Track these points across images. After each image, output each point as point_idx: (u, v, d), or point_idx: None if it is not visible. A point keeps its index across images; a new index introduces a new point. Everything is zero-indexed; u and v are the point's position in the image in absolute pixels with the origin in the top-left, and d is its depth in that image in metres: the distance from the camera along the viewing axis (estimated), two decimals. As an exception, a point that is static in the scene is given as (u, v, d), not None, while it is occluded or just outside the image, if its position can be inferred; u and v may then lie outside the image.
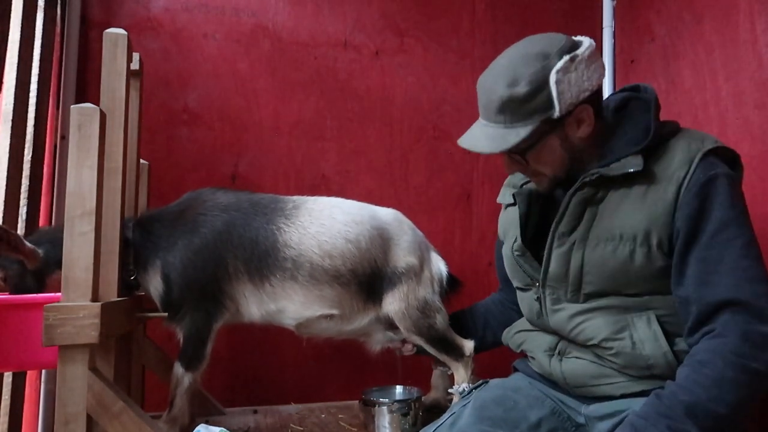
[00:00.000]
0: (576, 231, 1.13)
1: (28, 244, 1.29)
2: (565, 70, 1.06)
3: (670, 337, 1.06)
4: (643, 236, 1.06)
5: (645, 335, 1.06)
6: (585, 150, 1.16)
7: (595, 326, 1.11)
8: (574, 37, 1.13)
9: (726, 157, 1.09)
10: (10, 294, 1.35)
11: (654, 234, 1.06)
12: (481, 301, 1.61)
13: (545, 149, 1.13)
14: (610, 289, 1.10)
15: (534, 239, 1.24)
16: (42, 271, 1.33)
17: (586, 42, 1.11)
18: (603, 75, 1.12)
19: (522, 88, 1.06)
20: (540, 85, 1.06)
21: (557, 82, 1.05)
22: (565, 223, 1.14)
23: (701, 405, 0.92)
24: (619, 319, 1.09)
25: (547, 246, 1.16)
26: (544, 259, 1.17)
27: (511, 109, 1.08)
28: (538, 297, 1.21)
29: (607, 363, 1.11)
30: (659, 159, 1.09)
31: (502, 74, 1.10)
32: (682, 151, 1.07)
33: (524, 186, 1.30)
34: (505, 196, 1.38)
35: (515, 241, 1.25)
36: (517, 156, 1.15)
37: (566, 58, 1.06)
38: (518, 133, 1.08)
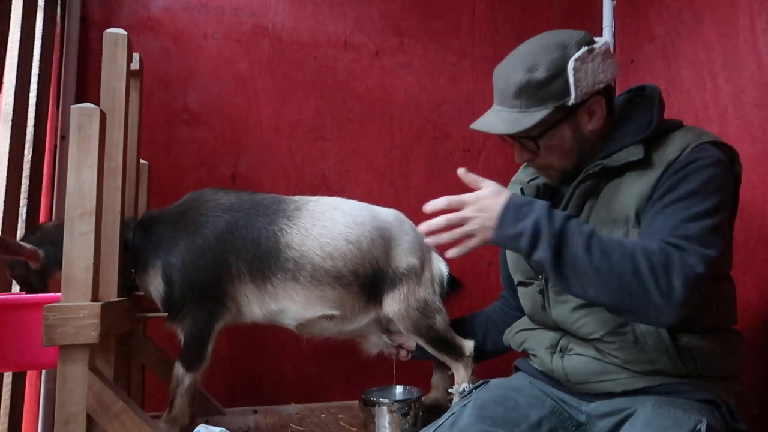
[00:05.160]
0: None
1: (27, 246, 1.29)
2: (582, 59, 1.09)
3: (672, 332, 1.07)
4: (634, 217, 1.09)
5: (647, 330, 1.07)
6: (594, 144, 1.18)
7: (598, 320, 1.11)
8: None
9: (723, 152, 1.11)
10: (20, 290, 1.36)
11: (642, 213, 1.08)
12: (482, 309, 1.61)
13: (557, 138, 1.15)
14: None
15: None
16: (43, 271, 1.34)
17: (602, 40, 1.16)
18: (616, 72, 1.15)
19: (540, 74, 1.09)
20: (558, 72, 1.09)
21: (575, 70, 1.08)
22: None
23: (581, 245, 0.97)
24: None
25: None
26: None
27: (527, 94, 1.11)
28: (541, 289, 1.21)
29: (609, 359, 1.11)
30: (658, 148, 1.12)
31: (521, 60, 1.13)
32: (679, 140, 1.11)
33: (531, 182, 1.31)
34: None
35: None
36: (530, 143, 1.16)
37: (585, 48, 1.10)
38: (533, 117, 1.11)
